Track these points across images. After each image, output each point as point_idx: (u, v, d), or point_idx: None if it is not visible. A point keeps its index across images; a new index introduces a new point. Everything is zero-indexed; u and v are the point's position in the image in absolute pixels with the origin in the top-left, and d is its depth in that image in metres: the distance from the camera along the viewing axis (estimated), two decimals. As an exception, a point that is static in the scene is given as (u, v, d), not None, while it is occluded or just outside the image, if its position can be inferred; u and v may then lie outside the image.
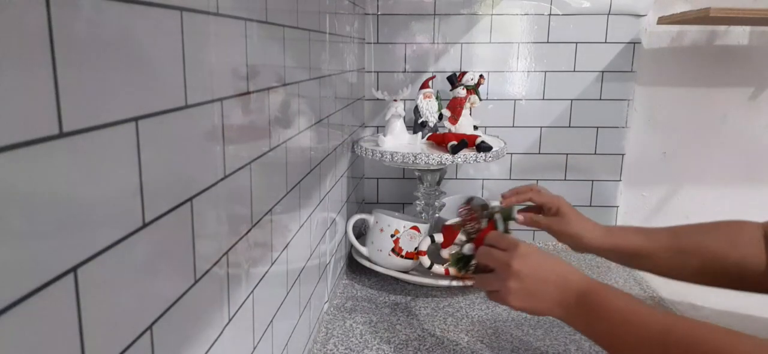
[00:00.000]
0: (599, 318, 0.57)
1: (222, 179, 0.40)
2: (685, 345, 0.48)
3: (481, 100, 1.08)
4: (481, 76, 1.06)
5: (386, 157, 0.95)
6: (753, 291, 0.69)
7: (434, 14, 1.10)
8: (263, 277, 0.51)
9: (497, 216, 0.75)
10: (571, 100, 1.14)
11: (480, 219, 0.76)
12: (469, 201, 0.79)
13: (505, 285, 0.63)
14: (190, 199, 0.35)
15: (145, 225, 0.30)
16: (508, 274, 0.63)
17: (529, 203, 0.82)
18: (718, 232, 0.71)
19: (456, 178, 1.20)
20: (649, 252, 0.74)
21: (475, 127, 1.08)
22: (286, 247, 0.59)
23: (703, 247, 0.71)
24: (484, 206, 0.77)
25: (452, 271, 0.77)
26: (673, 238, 0.74)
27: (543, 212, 0.81)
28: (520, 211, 0.81)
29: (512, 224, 0.79)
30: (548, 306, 0.61)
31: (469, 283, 0.77)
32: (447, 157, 0.91)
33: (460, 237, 0.76)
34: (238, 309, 0.45)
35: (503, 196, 0.82)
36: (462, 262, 0.74)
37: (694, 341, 0.48)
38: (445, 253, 0.81)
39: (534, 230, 1.08)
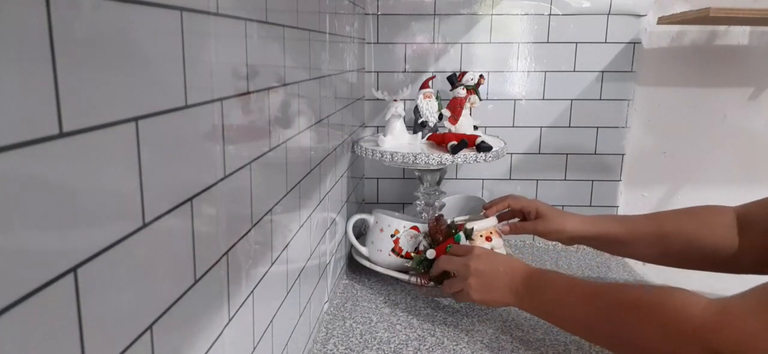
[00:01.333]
0: (541, 293, 0.68)
1: (222, 179, 0.40)
2: (602, 296, 0.62)
3: (481, 100, 1.08)
4: (481, 76, 1.06)
5: (386, 157, 0.95)
6: (726, 271, 0.75)
7: (434, 14, 1.10)
8: (263, 277, 0.51)
9: (460, 233, 0.86)
10: (571, 100, 1.14)
11: (445, 232, 0.87)
12: (439, 218, 0.89)
13: (466, 283, 0.73)
14: (190, 199, 0.35)
15: (145, 225, 0.30)
16: (468, 273, 0.74)
17: (507, 210, 0.91)
18: (696, 217, 0.77)
19: (456, 178, 1.20)
20: (630, 238, 0.80)
21: (475, 127, 1.08)
22: (286, 247, 0.59)
23: (681, 231, 0.76)
24: (451, 225, 0.88)
25: (414, 270, 0.88)
26: (653, 224, 0.79)
27: (524, 218, 0.90)
28: (506, 223, 0.91)
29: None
30: (502, 294, 0.71)
31: (423, 282, 0.87)
32: (447, 157, 0.91)
33: (424, 243, 0.88)
34: (238, 309, 0.45)
35: (485, 207, 0.91)
36: (424, 264, 0.86)
37: (607, 292, 0.62)
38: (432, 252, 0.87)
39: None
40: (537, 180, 1.18)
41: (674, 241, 0.76)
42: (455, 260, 0.77)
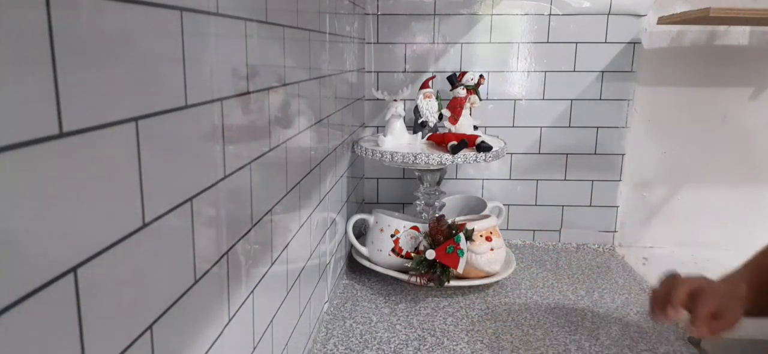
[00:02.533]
0: None
1: (222, 179, 0.40)
2: None
3: (481, 100, 1.08)
4: (481, 76, 1.06)
5: (386, 157, 0.95)
6: None
7: (434, 14, 1.10)
8: (263, 277, 0.51)
9: (460, 234, 0.86)
10: (571, 100, 1.14)
11: (445, 232, 0.87)
12: (439, 218, 0.89)
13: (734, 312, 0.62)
14: (190, 199, 0.35)
15: (145, 225, 0.30)
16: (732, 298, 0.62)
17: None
18: None
19: (456, 178, 1.20)
20: None
21: (475, 127, 1.08)
22: (286, 247, 0.59)
23: None
24: (451, 225, 0.88)
25: (414, 270, 0.87)
26: None
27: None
28: (700, 326, 0.66)
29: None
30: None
31: (423, 282, 0.87)
32: (447, 157, 0.91)
33: (424, 243, 0.88)
34: (238, 309, 0.45)
35: (654, 307, 0.69)
36: (423, 264, 0.86)
37: None
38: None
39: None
40: (537, 180, 1.18)
41: None
42: (720, 291, 0.64)
